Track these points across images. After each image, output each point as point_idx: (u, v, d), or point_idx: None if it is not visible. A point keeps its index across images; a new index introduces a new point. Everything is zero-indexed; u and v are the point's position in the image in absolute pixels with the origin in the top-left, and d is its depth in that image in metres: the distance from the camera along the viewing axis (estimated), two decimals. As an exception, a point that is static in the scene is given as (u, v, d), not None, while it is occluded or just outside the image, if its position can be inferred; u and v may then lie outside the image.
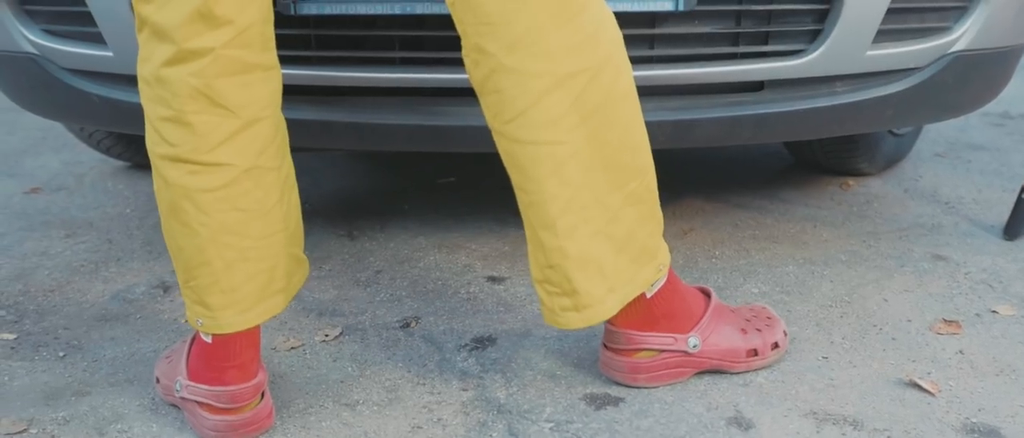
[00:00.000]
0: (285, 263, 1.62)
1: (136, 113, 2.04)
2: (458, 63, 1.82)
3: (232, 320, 1.56)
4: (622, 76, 1.53)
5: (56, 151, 3.33)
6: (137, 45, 1.90)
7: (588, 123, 1.51)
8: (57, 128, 3.71)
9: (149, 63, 1.50)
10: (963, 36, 1.98)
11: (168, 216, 1.54)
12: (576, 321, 1.60)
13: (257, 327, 1.60)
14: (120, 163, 3.12)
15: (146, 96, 1.52)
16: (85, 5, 1.94)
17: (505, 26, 1.47)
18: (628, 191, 1.57)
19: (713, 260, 2.28)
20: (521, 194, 1.56)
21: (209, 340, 1.58)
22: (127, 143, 2.91)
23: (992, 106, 3.92)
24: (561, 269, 1.57)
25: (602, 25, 1.51)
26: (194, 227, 1.52)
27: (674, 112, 1.92)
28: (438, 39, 1.88)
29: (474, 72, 1.52)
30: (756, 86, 1.96)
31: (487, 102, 1.53)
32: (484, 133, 1.80)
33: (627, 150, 1.55)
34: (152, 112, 1.51)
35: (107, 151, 2.95)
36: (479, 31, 1.49)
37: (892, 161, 2.93)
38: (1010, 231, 2.40)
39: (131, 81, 2.02)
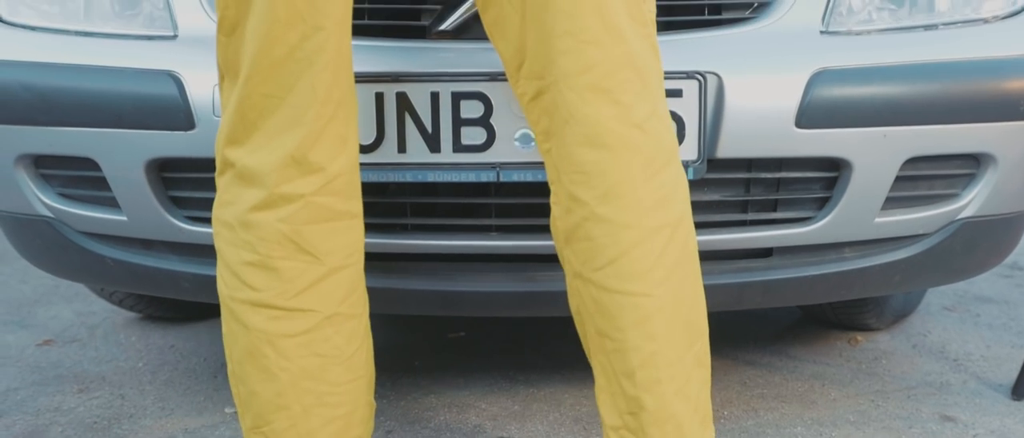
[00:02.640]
0: (362, 410, 1.62)
1: (150, 275, 2.06)
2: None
3: None
4: (693, 234, 1.58)
5: (68, 301, 3.34)
6: (148, 210, 1.94)
7: (671, 279, 1.53)
8: (68, 275, 3.72)
9: (233, 207, 1.52)
10: (971, 203, 2.00)
11: (244, 361, 1.55)
12: None
13: None
14: (132, 314, 3.13)
15: (227, 240, 1.54)
16: (100, 170, 1.96)
17: (599, 176, 1.50)
18: (695, 351, 1.58)
19: (722, 420, 2.27)
20: (605, 341, 1.57)
21: None
22: (138, 296, 2.92)
23: (1000, 256, 3.92)
24: (639, 419, 1.56)
25: (679, 183, 1.56)
26: (274, 372, 1.53)
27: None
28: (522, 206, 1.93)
29: (564, 220, 1.55)
30: (765, 252, 1.98)
31: (576, 249, 1.55)
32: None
33: (697, 309, 1.58)
34: (233, 257, 1.52)
35: (119, 303, 2.96)
36: (573, 180, 1.52)
37: (900, 316, 2.93)
38: (1018, 391, 2.39)
39: (145, 244, 2.04)
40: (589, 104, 1.50)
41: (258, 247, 1.51)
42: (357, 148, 1.62)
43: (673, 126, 1.60)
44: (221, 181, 1.56)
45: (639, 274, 1.52)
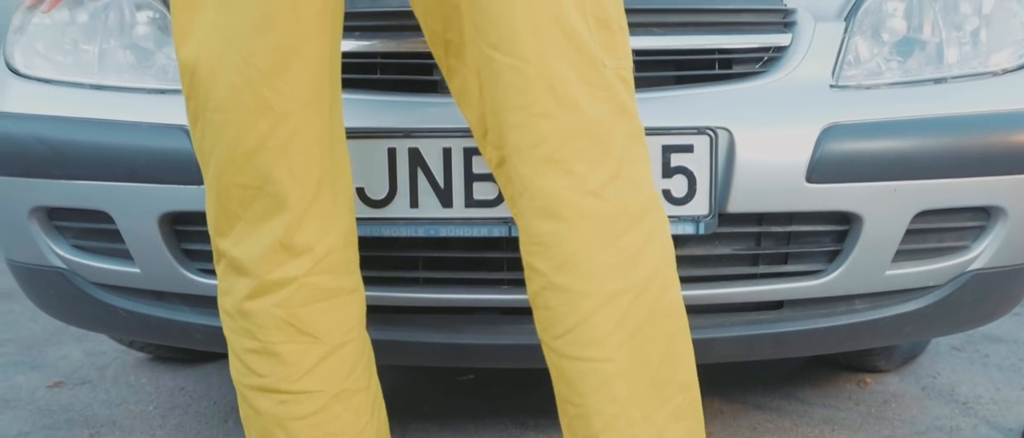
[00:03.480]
0: None
1: (162, 326, 2.07)
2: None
3: None
4: (668, 291, 1.55)
5: (78, 340, 3.35)
6: (161, 262, 1.95)
7: (634, 340, 1.52)
8: (78, 313, 3.73)
9: (230, 296, 1.53)
10: (982, 255, 2.00)
11: None
12: None
13: None
14: (142, 355, 3.13)
15: (230, 328, 1.55)
16: (113, 223, 1.97)
17: (555, 247, 1.50)
18: (673, 407, 1.57)
19: (734, 468, 2.28)
20: (568, 407, 1.57)
21: None
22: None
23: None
24: None
25: (651, 239, 1.53)
26: None
27: (692, 331, 1.92)
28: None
29: (528, 287, 1.55)
30: (775, 305, 1.98)
31: (538, 316, 1.56)
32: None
33: (670, 366, 1.56)
34: (237, 344, 1.53)
35: (129, 344, 2.97)
36: (530, 251, 1.52)
37: (910, 357, 2.94)
38: (1031, 437, 2.40)
39: (157, 296, 2.05)
40: (542, 176, 1.49)
41: (258, 334, 1.51)
42: (349, 220, 1.62)
43: (647, 183, 1.57)
44: (218, 269, 1.56)
45: (598, 340, 1.51)
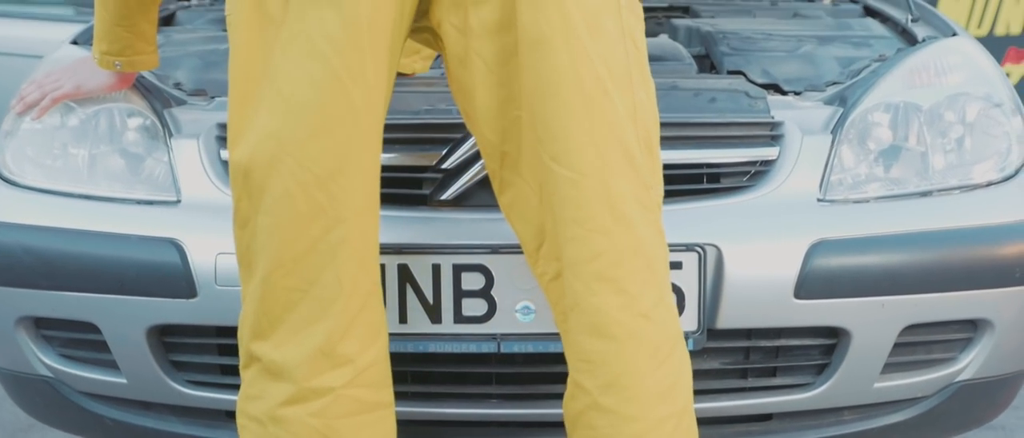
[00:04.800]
0: None
1: (150, 436, 2.06)
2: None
3: None
4: (693, 418, 1.59)
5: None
6: (149, 373, 1.95)
7: None
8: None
9: (262, 402, 1.52)
10: (969, 366, 2.01)
11: None
12: None
13: None
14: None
15: (256, 435, 1.53)
16: (100, 333, 1.97)
17: (602, 366, 1.51)
18: None
19: None
20: None
21: None
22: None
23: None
24: None
25: (684, 368, 1.57)
26: None
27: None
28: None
29: (570, 404, 1.57)
30: (764, 417, 1.99)
31: (579, 436, 1.56)
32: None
33: None
34: None
35: (114, 435, 2.95)
36: (578, 367, 1.54)
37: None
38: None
39: (144, 406, 2.04)
40: (595, 294, 1.51)
41: None
42: (387, 336, 1.62)
43: (676, 309, 1.62)
44: (246, 375, 1.56)
45: None
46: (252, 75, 1.53)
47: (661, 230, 1.59)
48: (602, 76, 1.50)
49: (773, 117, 1.99)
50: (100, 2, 1.87)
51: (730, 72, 2.22)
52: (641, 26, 1.60)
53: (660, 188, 1.61)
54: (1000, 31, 5.89)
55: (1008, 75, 5.81)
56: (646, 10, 2.79)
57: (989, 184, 2.01)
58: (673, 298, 1.60)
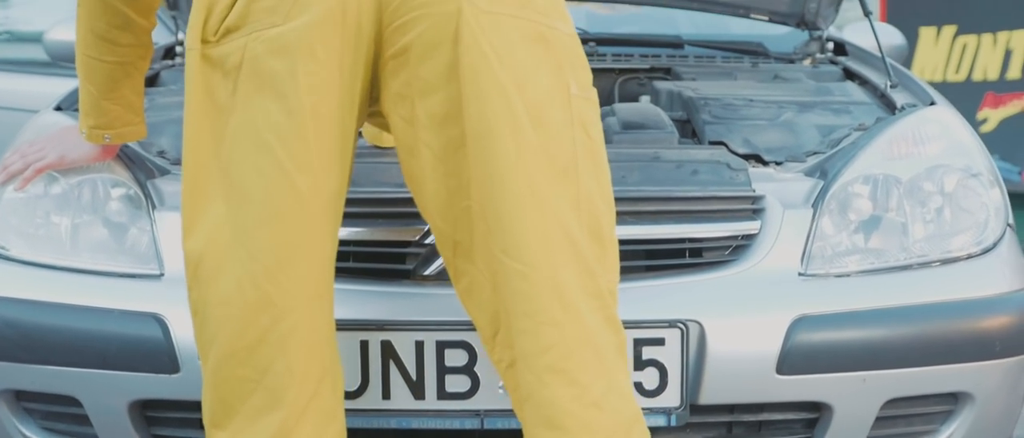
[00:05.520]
0: None
1: (129, 507, 2.05)
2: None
3: None
4: None
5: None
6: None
7: None
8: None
9: None
10: (950, 438, 2.02)
11: None
12: None
13: None
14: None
15: None
16: (82, 407, 1.96)
17: None
18: None
19: None
20: None
21: None
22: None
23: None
24: None
25: None
26: None
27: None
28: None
29: None
30: (748, 487, 1.99)
31: None
32: None
33: None
34: None
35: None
36: None
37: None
38: None
39: (126, 479, 2.03)
40: (546, 386, 1.52)
41: None
42: (342, 417, 1.63)
43: (632, 394, 1.63)
44: None
45: None
46: (202, 164, 1.55)
47: (612, 316, 1.59)
48: (546, 168, 1.51)
49: (754, 190, 2.00)
50: (86, 76, 1.88)
51: (712, 142, 2.23)
52: (595, 112, 1.61)
53: (613, 273, 1.61)
54: (978, 76, 5.93)
55: (986, 120, 5.88)
56: (628, 71, 2.84)
57: (970, 256, 2.03)
58: (626, 380, 1.60)
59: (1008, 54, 5.82)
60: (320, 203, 1.54)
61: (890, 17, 6.56)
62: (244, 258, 1.52)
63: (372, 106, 1.62)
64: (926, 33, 6.30)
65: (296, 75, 1.48)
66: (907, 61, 4.89)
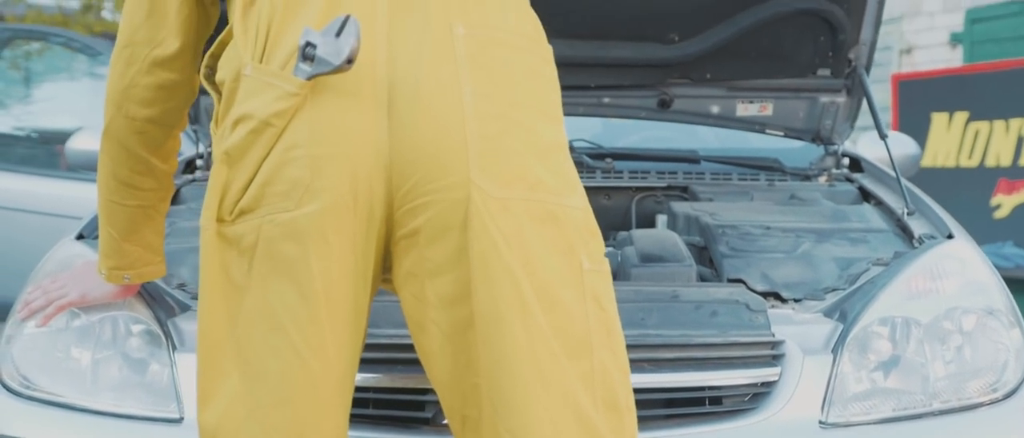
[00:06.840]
0: None
1: None
2: None
3: None
4: None
5: None
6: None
7: None
8: None
9: None
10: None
11: None
12: None
13: None
14: None
15: None
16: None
17: None
18: None
19: None
20: None
21: None
22: None
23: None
24: None
25: None
26: None
27: None
28: None
29: None
30: None
31: None
32: None
33: None
34: None
35: None
36: None
37: None
38: None
39: None
40: None
41: None
42: None
43: None
44: None
45: None
46: (218, 339, 1.57)
47: None
48: (556, 351, 1.51)
49: (774, 335, 2.00)
50: (106, 219, 1.89)
51: (730, 280, 2.24)
52: (608, 283, 1.61)
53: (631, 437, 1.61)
54: (991, 162, 5.95)
55: (1000, 206, 5.88)
56: (645, 189, 2.85)
57: (992, 402, 2.02)
58: None
59: (1020, 141, 5.84)
60: (332, 385, 1.56)
61: (901, 104, 6.60)
62: (259, 434, 1.54)
63: (385, 274, 1.63)
64: (938, 119, 6.33)
65: (309, 260, 1.50)
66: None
